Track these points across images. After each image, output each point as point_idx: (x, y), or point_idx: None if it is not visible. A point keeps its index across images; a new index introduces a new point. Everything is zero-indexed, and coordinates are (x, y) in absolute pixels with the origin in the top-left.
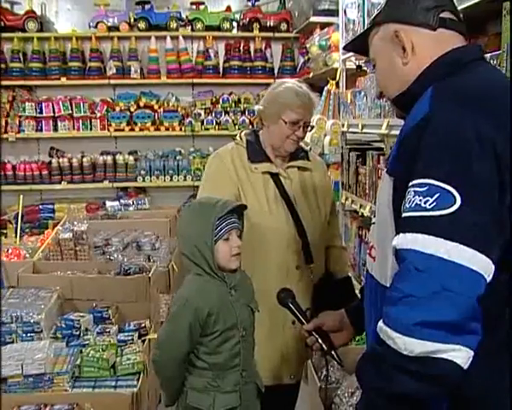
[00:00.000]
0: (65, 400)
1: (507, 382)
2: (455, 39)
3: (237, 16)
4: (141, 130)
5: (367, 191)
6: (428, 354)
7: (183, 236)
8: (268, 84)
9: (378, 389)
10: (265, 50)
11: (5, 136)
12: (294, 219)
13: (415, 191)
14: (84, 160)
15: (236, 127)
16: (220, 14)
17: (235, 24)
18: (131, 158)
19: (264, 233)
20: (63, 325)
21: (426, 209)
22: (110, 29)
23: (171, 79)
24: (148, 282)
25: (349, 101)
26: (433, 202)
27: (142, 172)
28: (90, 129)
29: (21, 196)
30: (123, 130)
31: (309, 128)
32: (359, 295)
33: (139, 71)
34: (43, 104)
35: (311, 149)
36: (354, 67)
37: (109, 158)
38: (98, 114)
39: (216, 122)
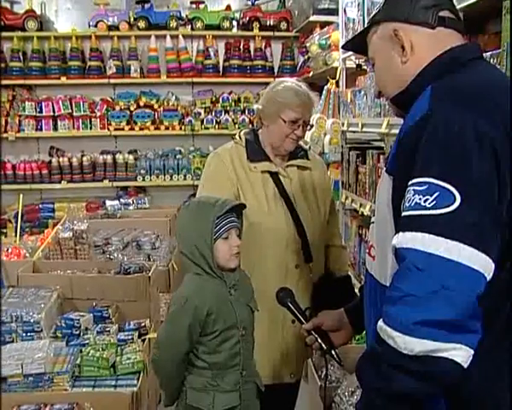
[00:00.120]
0: (65, 399)
1: (505, 379)
2: (454, 38)
3: (237, 15)
4: (141, 129)
5: (367, 190)
6: (428, 353)
7: (182, 235)
8: (268, 84)
9: (378, 388)
10: (265, 49)
11: (5, 135)
12: (294, 218)
13: (414, 190)
14: (84, 159)
15: (236, 126)
16: (220, 13)
17: (234, 23)
18: (131, 157)
19: (263, 232)
20: (63, 325)
21: (425, 208)
22: (110, 28)
23: (171, 79)
24: (148, 281)
25: (349, 100)
26: (432, 201)
27: (142, 171)
28: (90, 128)
29: (21, 196)
30: (123, 129)
31: (308, 127)
32: (359, 295)
33: (139, 70)
34: (43, 103)
35: (310, 147)
36: (354, 66)
37: (109, 157)
38: (98, 114)
39: (216, 121)
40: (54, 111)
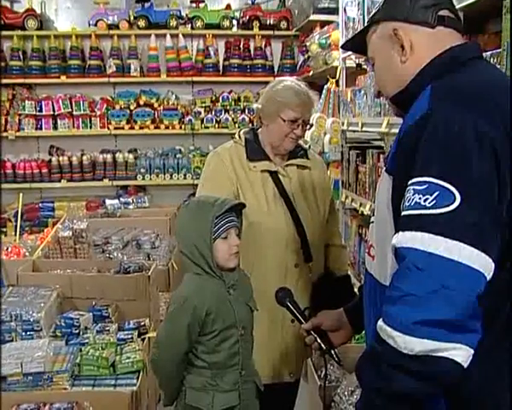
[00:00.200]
0: (64, 398)
1: (505, 379)
2: (453, 37)
3: (237, 14)
4: (141, 128)
5: (367, 190)
6: (428, 353)
7: (181, 234)
8: (268, 83)
9: (378, 388)
10: (265, 48)
11: (5, 134)
12: (293, 217)
13: (414, 190)
14: (84, 158)
15: (236, 126)
16: (220, 12)
17: (234, 22)
18: (131, 156)
19: (262, 232)
20: (63, 324)
21: (425, 207)
22: (110, 27)
23: (171, 77)
24: (148, 280)
25: (349, 99)
26: (432, 200)
27: (142, 170)
28: (90, 127)
29: (21, 195)
30: (123, 128)
31: (308, 126)
32: (358, 294)
33: (139, 69)
34: (43, 102)
35: (310, 147)
36: (354, 65)
37: (109, 156)
38: (98, 113)
39: (216, 120)
40: (54, 110)
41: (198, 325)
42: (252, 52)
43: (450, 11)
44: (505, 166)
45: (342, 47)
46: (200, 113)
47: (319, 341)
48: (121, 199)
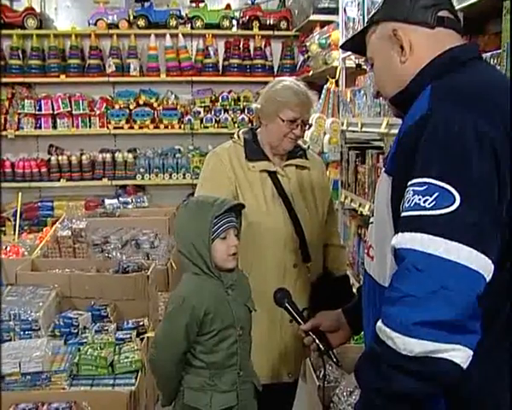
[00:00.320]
0: (62, 398)
1: (505, 379)
2: (453, 38)
3: (237, 14)
4: (140, 128)
5: (366, 190)
6: (428, 354)
7: (180, 234)
8: (267, 83)
9: (377, 388)
10: (265, 48)
11: (4, 133)
12: (292, 217)
13: (414, 190)
14: (83, 157)
15: (236, 125)
16: (220, 12)
17: (234, 22)
18: (130, 156)
19: (261, 232)
20: (61, 323)
21: (425, 208)
22: (109, 26)
23: (171, 77)
24: (147, 280)
25: (348, 99)
26: (432, 202)
27: (142, 169)
28: (90, 126)
29: (20, 194)
30: (122, 127)
31: (307, 126)
32: (357, 295)
33: (138, 69)
34: (43, 101)
35: (309, 147)
36: (354, 65)
37: (108, 156)
38: (97, 112)
39: (215, 120)
40: (53, 109)
41: (196, 325)
42: (251, 52)
43: (449, 12)
44: (505, 166)
45: (341, 47)
46: (199, 112)
47: (317, 342)
48: (120, 199)
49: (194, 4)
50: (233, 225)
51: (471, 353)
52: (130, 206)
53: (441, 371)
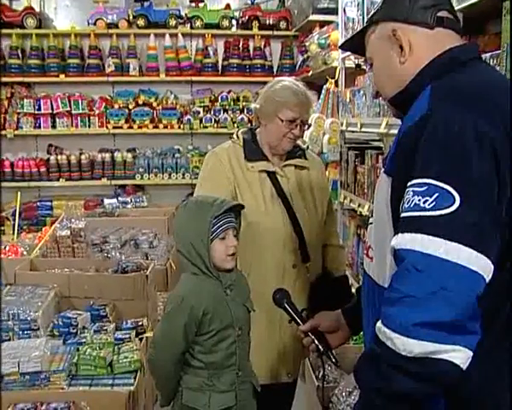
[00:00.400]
0: (61, 398)
1: (505, 380)
2: (452, 38)
3: (236, 14)
4: (139, 127)
5: (365, 190)
6: (428, 355)
7: (179, 234)
8: (267, 83)
9: (377, 389)
10: (264, 48)
11: (3, 132)
12: (291, 217)
13: (414, 191)
14: (83, 157)
15: (235, 125)
16: (219, 12)
17: (234, 22)
18: (130, 155)
19: (260, 232)
20: (60, 323)
21: (425, 209)
22: (109, 26)
23: (170, 77)
24: (146, 280)
25: (348, 99)
26: (432, 202)
27: (141, 169)
28: (89, 126)
29: (19, 193)
30: (121, 127)
31: (306, 127)
32: (356, 295)
33: (138, 68)
34: (42, 101)
35: (308, 147)
36: (353, 65)
37: (107, 155)
38: (97, 112)
39: (214, 120)
40: (52, 109)
41: (195, 324)
42: (251, 52)
43: (448, 12)
44: (505, 166)
45: (341, 47)
46: (198, 112)
47: (317, 342)
48: (119, 198)
49: (193, 4)
50: (232, 226)
51: (471, 354)
52: (129, 206)
53: (441, 372)
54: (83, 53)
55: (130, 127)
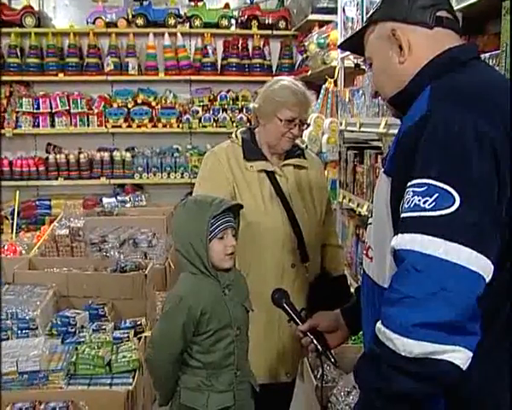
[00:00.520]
0: (60, 397)
1: (505, 380)
2: (451, 38)
3: (236, 13)
4: (138, 126)
5: (364, 190)
6: (428, 355)
7: (178, 233)
8: (266, 82)
9: (377, 389)
10: (264, 48)
11: (2, 131)
12: (290, 217)
13: (413, 191)
14: (81, 156)
15: (234, 125)
16: (218, 11)
17: (233, 21)
18: (128, 155)
19: (259, 232)
20: (59, 322)
21: (425, 209)
22: (108, 25)
23: (169, 76)
24: (145, 279)
25: (347, 99)
26: (432, 203)
27: (140, 168)
28: (88, 125)
29: (17, 192)
30: (120, 126)
31: (305, 126)
32: (355, 295)
33: (137, 67)
34: (41, 100)
35: (307, 146)
36: (352, 65)
37: (106, 154)
38: (95, 111)
39: (213, 119)
40: (51, 108)
41: (193, 324)
42: (250, 51)
43: (448, 12)
44: (505, 166)
45: (340, 47)
46: (197, 112)
47: (315, 342)
48: (118, 197)
49: (192, 3)
50: (231, 225)
51: (471, 354)
52: (128, 205)
53: (441, 373)
54: (82, 52)
55: (129, 126)
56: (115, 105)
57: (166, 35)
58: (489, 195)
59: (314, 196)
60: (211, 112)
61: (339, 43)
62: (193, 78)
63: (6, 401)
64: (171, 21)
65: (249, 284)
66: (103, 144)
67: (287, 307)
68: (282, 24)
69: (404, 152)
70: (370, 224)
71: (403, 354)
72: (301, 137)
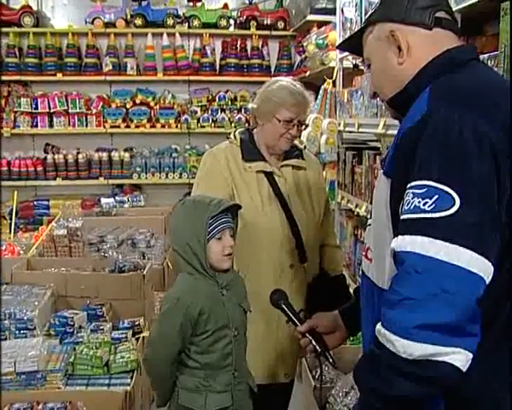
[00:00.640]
0: (58, 398)
1: (505, 380)
2: (450, 39)
3: (234, 14)
4: (137, 127)
5: (363, 191)
6: (428, 357)
7: (175, 233)
8: (264, 83)
9: (377, 391)
10: (262, 48)
11: (0, 131)
12: (288, 218)
13: (413, 193)
14: (80, 156)
15: (232, 125)
16: (217, 12)
17: (232, 21)
18: (127, 155)
19: (258, 232)
20: (57, 323)
21: (425, 211)
22: (106, 25)
23: (168, 76)
24: (143, 279)
25: (346, 100)
26: (432, 204)
27: (138, 169)
28: (86, 125)
29: (16, 192)
30: (119, 126)
31: (303, 127)
32: (353, 296)
33: (135, 67)
34: (39, 100)
35: (305, 147)
36: (351, 66)
37: (105, 155)
38: (94, 111)
39: (212, 120)
40: (49, 108)
41: (190, 324)
42: (248, 52)
43: (446, 13)
44: (505, 166)
45: (338, 47)
46: (196, 112)
47: (314, 343)
48: (116, 198)
49: (191, 4)
50: (229, 226)
51: (471, 356)
52: (126, 205)
53: (441, 375)
54: (80, 52)
55: (128, 127)
56: (114, 105)
57: (165, 35)
58: (489, 195)
59: (312, 197)
60: (209, 112)
61: (337, 44)
62: (191, 78)
63: (4, 401)
64: (170, 22)
65: (247, 284)
66: (102, 144)
67: (285, 308)
68: (280, 24)
69: (403, 153)
70: (369, 225)
71: (403, 355)
72: (300, 137)
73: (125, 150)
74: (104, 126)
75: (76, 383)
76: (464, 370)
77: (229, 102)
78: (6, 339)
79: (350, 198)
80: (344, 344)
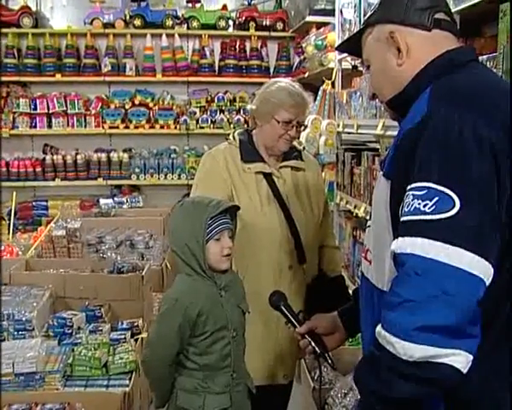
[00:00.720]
0: (56, 399)
1: (505, 381)
2: (449, 40)
3: (233, 15)
4: (135, 127)
5: (362, 192)
6: (428, 359)
7: (174, 234)
8: (263, 84)
9: (377, 393)
10: (261, 49)
11: None
12: (287, 219)
13: (413, 195)
14: (79, 157)
15: (231, 126)
16: (216, 13)
17: (231, 23)
18: (126, 156)
19: (256, 233)
20: (55, 324)
21: (425, 213)
22: (105, 26)
23: (167, 77)
24: (142, 280)
25: (344, 101)
26: (432, 206)
27: (137, 169)
28: (85, 126)
29: (14, 193)
30: (117, 127)
31: (302, 128)
32: (352, 297)
33: (134, 68)
34: (38, 101)
35: (304, 148)
36: (350, 67)
37: (103, 155)
38: (93, 111)
39: (211, 121)
40: (48, 108)
41: (189, 325)
42: (247, 53)
43: (445, 14)
44: (504, 166)
45: (337, 48)
46: (195, 113)
47: (313, 344)
48: (115, 199)
49: (190, 5)
50: (227, 227)
51: (471, 357)
52: (125, 206)
53: (441, 376)
54: (79, 53)
55: (127, 127)
56: (112, 106)
57: (164, 36)
58: (489, 196)
59: (311, 198)
60: (208, 113)
61: (336, 45)
62: (190, 79)
63: (2, 402)
64: (169, 23)
65: (246, 285)
66: (100, 145)
67: (284, 310)
68: (279, 25)
69: (403, 154)
70: (369, 226)
71: (403, 357)
72: (298, 138)
73: (124, 151)
74: (103, 127)
75: (74, 385)
76: (464, 371)
77: (228, 103)
78: (4, 340)
79: (349, 199)
80: (343, 345)
